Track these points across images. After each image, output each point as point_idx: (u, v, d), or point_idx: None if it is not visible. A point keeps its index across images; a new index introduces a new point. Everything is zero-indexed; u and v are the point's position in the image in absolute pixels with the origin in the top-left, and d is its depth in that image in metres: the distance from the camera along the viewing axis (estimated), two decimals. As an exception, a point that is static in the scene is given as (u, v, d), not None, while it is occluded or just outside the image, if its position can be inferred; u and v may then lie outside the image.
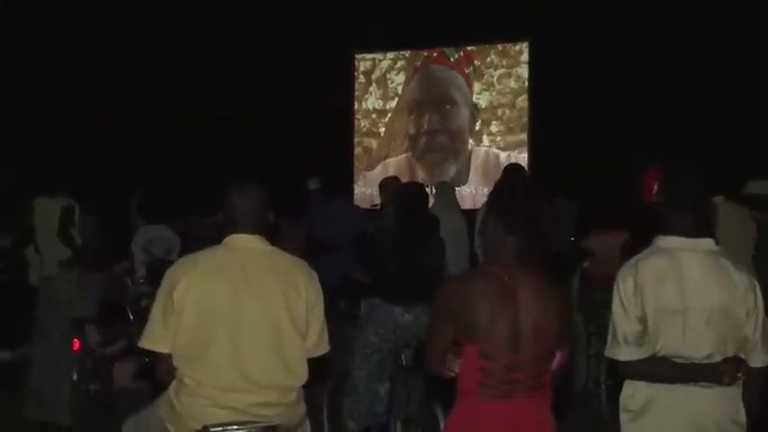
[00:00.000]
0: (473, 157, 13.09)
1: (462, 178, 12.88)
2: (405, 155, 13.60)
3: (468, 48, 13.16)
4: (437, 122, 13.36)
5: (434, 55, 13.48)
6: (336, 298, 6.25)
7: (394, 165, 13.43)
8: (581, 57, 11.20)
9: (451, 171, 12.67)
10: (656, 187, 4.91)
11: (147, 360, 5.49)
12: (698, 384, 3.34)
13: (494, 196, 3.55)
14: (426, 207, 6.25)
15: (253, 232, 3.71)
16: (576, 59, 11.22)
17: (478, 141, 13.07)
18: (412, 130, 13.57)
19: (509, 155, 12.72)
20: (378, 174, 13.32)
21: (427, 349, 3.51)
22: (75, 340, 7.08)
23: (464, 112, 13.20)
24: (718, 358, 3.34)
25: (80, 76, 12.54)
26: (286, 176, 9.08)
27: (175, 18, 12.77)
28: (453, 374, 3.32)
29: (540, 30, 11.82)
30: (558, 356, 3.37)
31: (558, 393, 3.46)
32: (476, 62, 13.14)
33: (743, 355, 3.38)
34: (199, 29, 12.73)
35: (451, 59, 13.30)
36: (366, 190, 13.53)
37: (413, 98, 13.60)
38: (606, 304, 3.61)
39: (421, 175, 12.94)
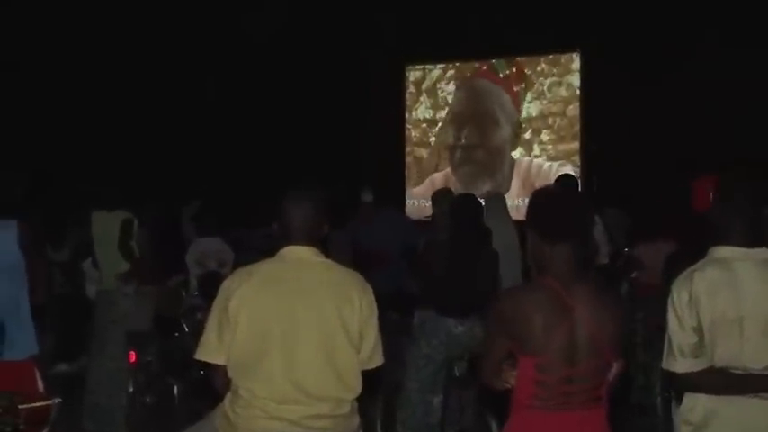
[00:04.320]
0: (516, 168, 13.04)
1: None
2: (448, 170, 13.60)
3: (519, 59, 13.10)
4: (475, 137, 13.34)
5: (484, 68, 13.45)
6: (389, 310, 6.26)
7: (441, 180, 13.40)
8: (633, 64, 11.13)
9: (486, 186, 12.57)
10: (711, 196, 4.86)
11: (201, 372, 5.55)
12: (758, 395, 3.30)
13: (535, 207, 3.47)
14: (481, 220, 6.25)
15: (307, 244, 3.71)
16: (629, 67, 11.15)
17: (529, 151, 13.02)
18: (450, 142, 13.57)
19: (551, 165, 12.69)
20: (425, 189, 13.35)
21: (482, 361, 3.50)
22: (132, 353, 7.16)
23: (505, 129, 13.16)
24: (777, 368, 3.30)
25: (140, 83, 12.71)
26: (338, 187, 9.11)
27: (228, 28, 12.91)
28: (509, 386, 3.31)
29: (592, 38, 11.77)
30: (615, 367, 3.33)
31: (614, 405, 3.43)
32: (526, 71, 13.09)
33: None
34: (255, 41, 12.85)
35: (500, 75, 13.25)
36: (415, 202, 13.53)
37: (456, 110, 13.60)
38: (651, 313, 3.58)
39: (456, 188, 12.88)
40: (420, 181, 13.85)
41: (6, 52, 11.82)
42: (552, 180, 11.44)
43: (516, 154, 13.10)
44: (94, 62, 12.50)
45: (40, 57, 12.22)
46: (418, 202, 13.40)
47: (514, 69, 13.21)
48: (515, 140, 13.11)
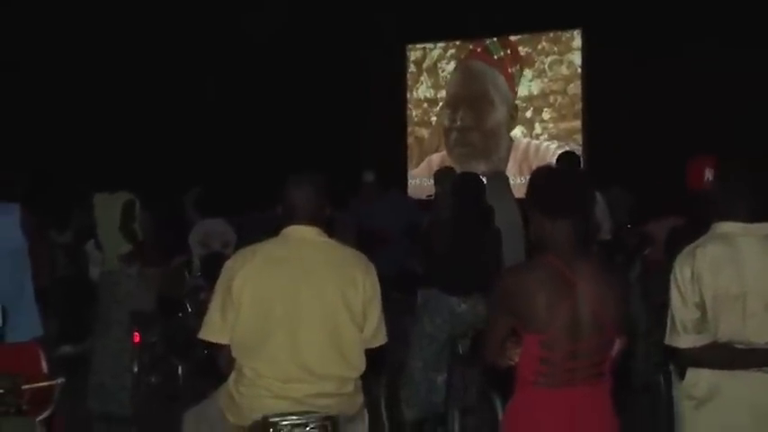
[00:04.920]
0: (513, 149, 13.04)
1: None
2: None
3: (514, 38, 13.06)
4: (470, 120, 13.30)
5: (478, 50, 13.38)
6: (392, 289, 6.27)
7: (438, 160, 13.38)
8: (635, 43, 11.10)
9: (481, 168, 12.55)
10: (707, 174, 4.87)
11: (205, 352, 5.56)
12: (761, 370, 3.31)
13: (536, 184, 3.47)
14: (483, 198, 6.24)
15: (310, 224, 3.72)
16: (631, 45, 11.12)
17: (530, 130, 13.00)
18: (446, 124, 13.54)
19: (548, 145, 12.69)
20: (423, 170, 13.33)
21: (486, 339, 3.50)
22: (136, 333, 7.17)
23: (501, 111, 13.12)
24: (780, 343, 3.31)
25: (139, 70, 12.70)
26: (340, 168, 9.11)
27: (229, 11, 12.88)
28: (512, 364, 3.31)
29: (593, 16, 11.73)
30: (618, 343, 3.34)
31: (617, 381, 3.43)
32: (527, 50, 13.04)
33: None
34: (252, 22, 12.81)
35: (495, 57, 13.21)
36: (417, 181, 13.52)
37: (451, 92, 13.57)
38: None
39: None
40: (421, 161, 13.83)
41: (6, 52, 11.78)
42: (549, 159, 11.52)
43: (517, 132, 13.06)
44: (95, 62, 12.48)
45: (40, 57, 12.20)
46: (420, 181, 13.39)
47: (509, 51, 13.16)
48: (511, 122, 13.08)
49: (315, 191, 3.75)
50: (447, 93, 13.62)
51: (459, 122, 13.39)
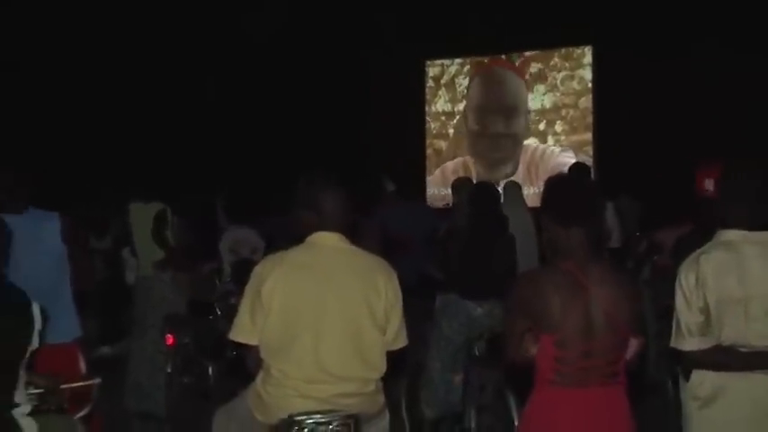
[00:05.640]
0: (522, 154, 13.05)
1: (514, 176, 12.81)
2: (461, 158, 13.58)
3: (532, 53, 13.08)
4: (503, 127, 13.30)
5: (502, 57, 13.43)
6: (412, 294, 6.27)
7: (451, 168, 13.40)
8: (644, 59, 11.09)
9: (507, 170, 12.61)
10: (707, 183, 4.86)
11: (234, 353, 5.58)
12: (763, 372, 3.29)
13: (549, 193, 3.50)
14: (499, 207, 6.25)
15: (335, 231, 3.73)
16: (640, 61, 11.11)
17: (543, 141, 13.00)
18: (474, 128, 13.52)
19: (552, 150, 12.70)
20: (438, 177, 13.34)
21: (505, 339, 3.51)
22: (169, 336, 7.20)
23: (523, 118, 13.14)
24: (782, 346, 3.29)
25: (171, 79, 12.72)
26: (362, 177, 9.12)
27: (260, 26, 12.91)
28: (530, 356, 3.32)
29: (603, 33, 11.73)
30: (634, 344, 3.33)
31: (632, 381, 3.43)
32: (540, 65, 13.06)
33: None
34: (286, 40, 12.85)
35: (517, 63, 13.24)
36: (435, 190, 13.52)
37: (477, 100, 13.56)
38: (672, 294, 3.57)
39: (478, 174, 12.86)
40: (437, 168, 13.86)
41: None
42: (554, 162, 11.58)
43: (531, 143, 13.07)
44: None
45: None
46: (438, 190, 13.40)
47: (522, 59, 13.21)
48: (528, 126, 13.09)
49: (342, 199, 3.74)
50: (471, 100, 13.60)
51: (490, 129, 13.38)
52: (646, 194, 8.31)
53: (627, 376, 3.38)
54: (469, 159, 13.56)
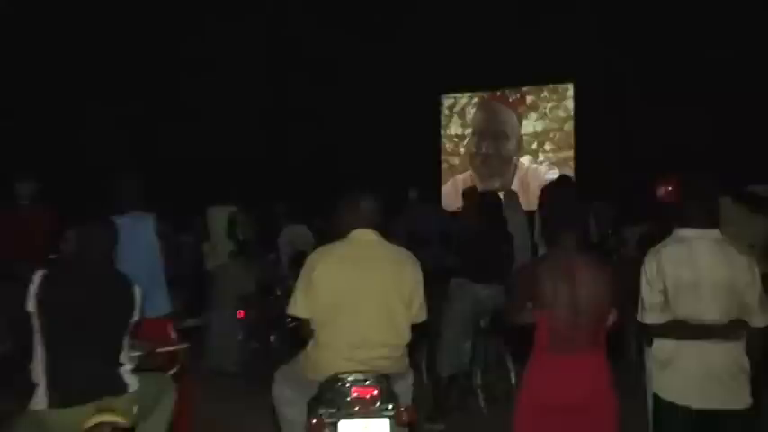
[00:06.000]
0: (518, 170, 13.04)
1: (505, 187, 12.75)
2: (469, 172, 13.58)
3: (526, 88, 13.06)
4: (493, 149, 13.33)
5: (498, 94, 13.41)
6: (431, 278, 6.26)
7: (461, 180, 13.42)
8: (615, 93, 11.08)
9: (497, 183, 12.65)
10: (662, 191, 4.85)
11: (291, 323, 5.61)
12: (710, 341, 3.30)
13: (548, 201, 3.58)
14: (501, 210, 6.24)
15: (370, 228, 3.75)
16: (612, 95, 11.11)
17: (535, 157, 12.96)
18: (473, 150, 13.56)
19: (536, 167, 12.72)
20: (450, 187, 13.37)
21: (509, 308, 3.62)
22: (241, 312, 7.24)
23: (512, 142, 13.15)
24: (725, 320, 3.30)
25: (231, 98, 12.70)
26: (390, 187, 9.10)
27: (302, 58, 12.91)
28: (527, 323, 3.42)
29: (582, 72, 11.75)
30: (611, 317, 3.42)
31: (611, 349, 3.49)
32: (533, 98, 13.03)
33: (745, 318, 3.32)
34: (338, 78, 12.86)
35: (510, 99, 13.25)
36: (449, 198, 13.49)
37: (477, 126, 13.58)
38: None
39: (478, 185, 12.84)
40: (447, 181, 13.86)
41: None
42: (542, 177, 11.60)
43: (525, 160, 13.05)
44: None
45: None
46: (451, 197, 13.39)
47: (518, 95, 13.18)
48: (520, 149, 13.09)
49: (374, 204, 3.78)
50: (473, 127, 13.62)
51: (483, 150, 13.42)
52: (616, 199, 8.23)
53: (607, 344, 3.44)
54: (473, 172, 13.54)
